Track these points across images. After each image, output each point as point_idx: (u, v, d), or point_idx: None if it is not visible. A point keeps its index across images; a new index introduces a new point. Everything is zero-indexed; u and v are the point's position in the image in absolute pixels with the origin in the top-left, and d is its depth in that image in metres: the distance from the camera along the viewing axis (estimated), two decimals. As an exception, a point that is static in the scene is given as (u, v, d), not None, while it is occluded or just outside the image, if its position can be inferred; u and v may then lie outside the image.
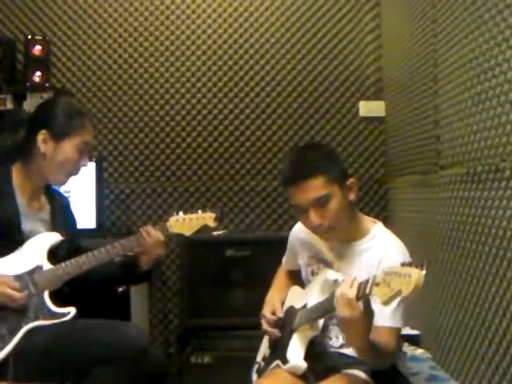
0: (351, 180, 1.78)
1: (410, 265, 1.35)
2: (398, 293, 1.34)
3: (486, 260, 2.00)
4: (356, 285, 1.50)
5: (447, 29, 2.36)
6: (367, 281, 1.46)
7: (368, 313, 1.51)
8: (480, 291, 2.04)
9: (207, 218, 2.07)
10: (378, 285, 1.41)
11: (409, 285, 1.31)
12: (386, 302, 1.38)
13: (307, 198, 1.72)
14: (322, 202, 1.71)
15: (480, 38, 2.03)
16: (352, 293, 1.48)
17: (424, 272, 1.31)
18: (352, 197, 1.78)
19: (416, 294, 1.32)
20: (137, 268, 2.09)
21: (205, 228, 2.09)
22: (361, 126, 3.55)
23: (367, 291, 1.44)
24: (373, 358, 1.63)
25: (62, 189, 2.24)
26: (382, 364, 1.68)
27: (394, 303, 1.65)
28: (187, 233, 2.06)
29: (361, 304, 1.49)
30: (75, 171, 2.01)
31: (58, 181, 2.04)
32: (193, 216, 2.06)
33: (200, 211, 2.08)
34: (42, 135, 1.94)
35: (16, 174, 1.98)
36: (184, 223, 2.05)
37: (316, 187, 1.71)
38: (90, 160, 2.09)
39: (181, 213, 2.07)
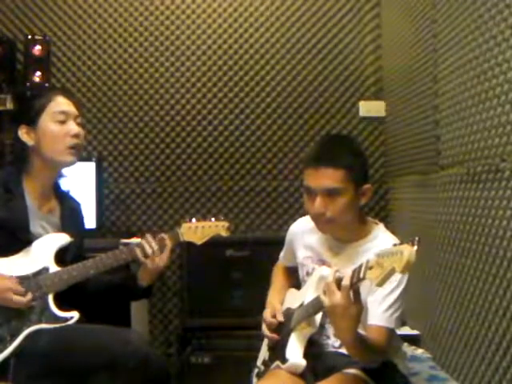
0: (368, 186, 1.79)
1: (401, 243, 1.34)
2: (392, 271, 1.33)
3: (486, 260, 2.00)
4: (340, 274, 1.49)
5: (447, 29, 2.36)
6: (360, 266, 1.45)
7: (357, 303, 1.50)
8: (480, 291, 2.04)
9: (220, 226, 2.03)
10: (371, 268, 1.40)
11: (401, 262, 1.30)
12: (381, 283, 1.38)
13: (321, 184, 1.73)
14: (332, 194, 1.72)
15: (480, 38, 2.03)
16: (346, 282, 1.47)
17: (415, 248, 1.30)
18: (363, 201, 1.79)
19: (409, 270, 1.31)
20: (136, 282, 2.00)
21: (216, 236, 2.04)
22: (361, 125, 3.55)
23: (361, 276, 1.43)
24: (361, 353, 1.61)
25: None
26: (371, 362, 1.67)
27: (389, 300, 1.67)
28: (198, 241, 2.02)
29: (351, 294, 1.48)
30: (71, 142, 1.93)
31: (65, 161, 1.95)
32: (205, 224, 2.02)
33: (213, 219, 2.04)
34: (21, 130, 1.92)
35: (26, 178, 1.96)
36: (196, 231, 2.00)
37: (333, 178, 1.71)
38: (81, 127, 1.97)
39: (193, 220, 2.01)
